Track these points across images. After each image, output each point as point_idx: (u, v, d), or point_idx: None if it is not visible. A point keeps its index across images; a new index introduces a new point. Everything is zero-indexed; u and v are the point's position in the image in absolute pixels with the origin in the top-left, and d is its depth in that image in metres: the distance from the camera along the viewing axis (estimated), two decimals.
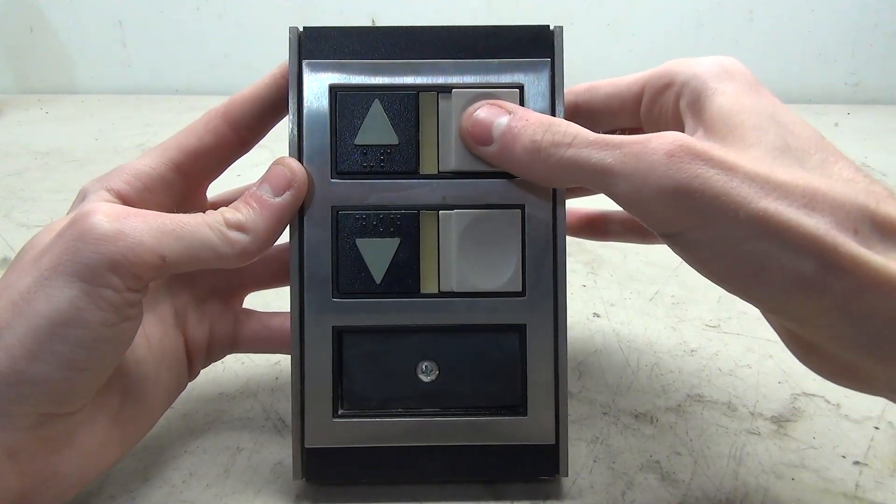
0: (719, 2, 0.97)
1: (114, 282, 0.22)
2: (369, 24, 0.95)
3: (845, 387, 0.24)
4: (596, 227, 0.35)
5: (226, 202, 0.29)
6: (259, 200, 0.26)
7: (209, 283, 0.30)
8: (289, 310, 0.27)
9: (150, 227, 0.23)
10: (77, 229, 0.22)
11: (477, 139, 0.26)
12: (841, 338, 0.21)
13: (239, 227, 0.25)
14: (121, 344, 0.24)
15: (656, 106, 0.28)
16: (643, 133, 0.28)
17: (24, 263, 0.23)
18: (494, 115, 0.26)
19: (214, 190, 0.31)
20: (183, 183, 0.28)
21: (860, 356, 0.21)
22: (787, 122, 0.23)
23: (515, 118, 0.25)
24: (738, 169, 0.21)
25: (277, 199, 0.26)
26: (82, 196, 0.26)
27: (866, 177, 0.22)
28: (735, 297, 0.23)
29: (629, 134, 0.27)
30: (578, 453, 0.30)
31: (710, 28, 0.98)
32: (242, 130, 0.28)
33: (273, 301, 0.36)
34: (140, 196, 0.26)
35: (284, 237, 0.27)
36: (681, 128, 0.26)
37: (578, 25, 0.96)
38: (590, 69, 0.97)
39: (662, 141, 0.22)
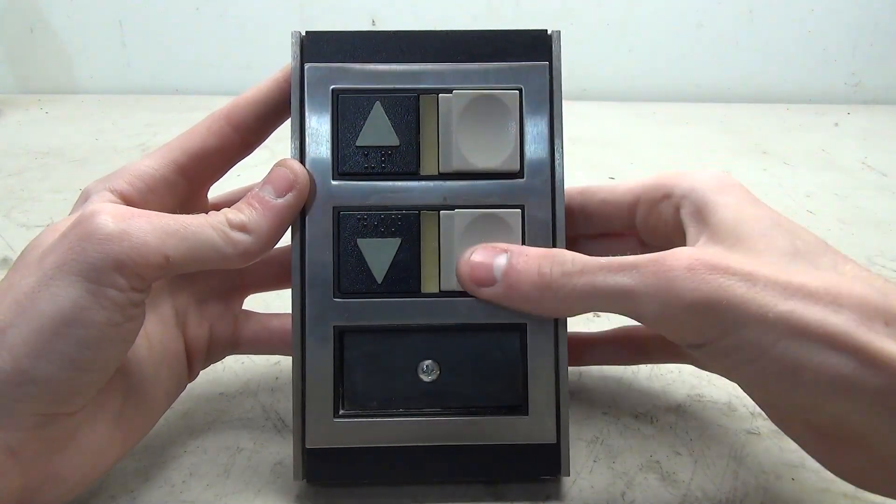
0: (719, 2, 0.97)
1: (118, 282, 0.22)
2: (369, 24, 0.95)
3: (881, 493, 0.24)
4: (637, 349, 0.33)
5: (227, 203, 0.29)
6: (261, 202, 0.26)
7: (210, 285, 0.30)
8: (289, 311, 0.27)
9: (155, 227, 0.23)
10: (82, 229, 0.22)
11: (479, 282, 0.26)
12: (879, 431, 0.21)
13: (241, 228, 0.25)
14: (124, 343, 0.24)
15: (653, 215, 0.28)
16: (636, 235, 0.29)
17: (28, 263, 0.23)
18: (491, 255, 0.26)
19: (216, 190, 0.31)
20: (185, 185, 0.28)
21: None
22: (792, 229, 0.24)
23: (514, 255, 0.26)
24: (758, 274, 0.22)
25: (280, 201, 0.26)
26: (85, 197, 0.26)
27: (875, 274, 0.23)
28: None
29: (620, 236, 0.29)
30: (578, 453, 0.30)
31: (710, 28, 0.98)
32: (245, 133, 0.28)
33: (273, 302, 0.36)
34: (143, 197, 0.26)
35: (286, 239, 0.27)
36: (681, 237, 0.26)
37: (578, 25, 0.96)
38: (590, 69, 0.97)
39: (679, 257, 0.22)
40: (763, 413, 0.32)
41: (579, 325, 0.40)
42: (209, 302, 0.30)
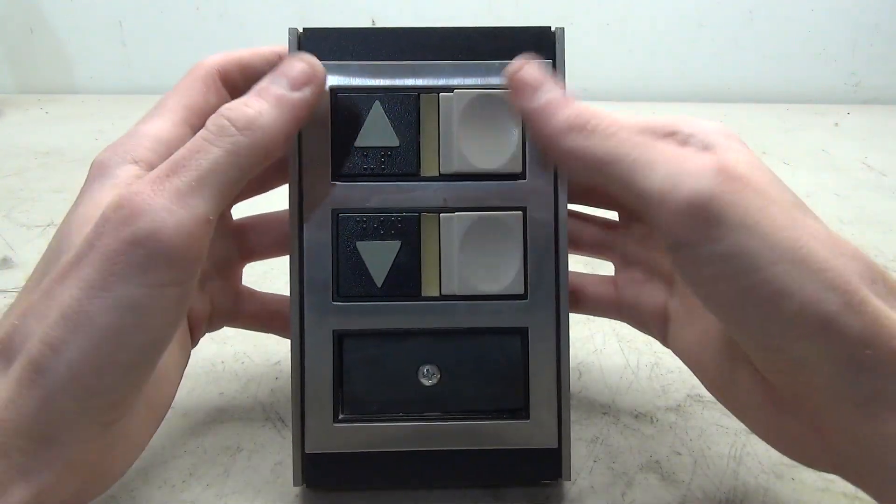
0: (719, 2, 0.97)
1: (173, 277, 0.21)
2: (369, 24, 0.95)
3: (810, 464, 0.24)
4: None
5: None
6: (275, 95, 0.23)
7: (211, 258, 0.30)
8: (287, 293, 0.27)
9: (186, 198, 0.21)
10: (126, 231, 0.21)
11: (522, 84, 0.25)
12: (834, 388, 0.21)
13: (249, 126, 0.23)
14: (173, 336, 0.23)
15: None
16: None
17: (63, 270, 0.21)
18: (550, 81, 0.25)
19: None
20: None
21: (846, 413, 0.21)
22: (786, 186, 0.24)
23: (567, 96, 0.25)
24: (775, 201, 0.21)
25: (296, 94, 0.24)
26: (101, 169, 0.24)
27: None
28: None
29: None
30: (578, 454, 0.30)
31: (710, 28, 0.98)
32: (235, 94, 0.27)
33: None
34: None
35: (284, 204, 0.27)
36: None
37: (578, 25, 0.96)
38: (590, 69, 0.97)
39: (710, 156, 0.22)
40: None
41: (579, 328, 0.40)
42: (210, 275, 0.30)
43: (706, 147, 0.25)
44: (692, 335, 0.27)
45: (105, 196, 0.23)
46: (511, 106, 0.26)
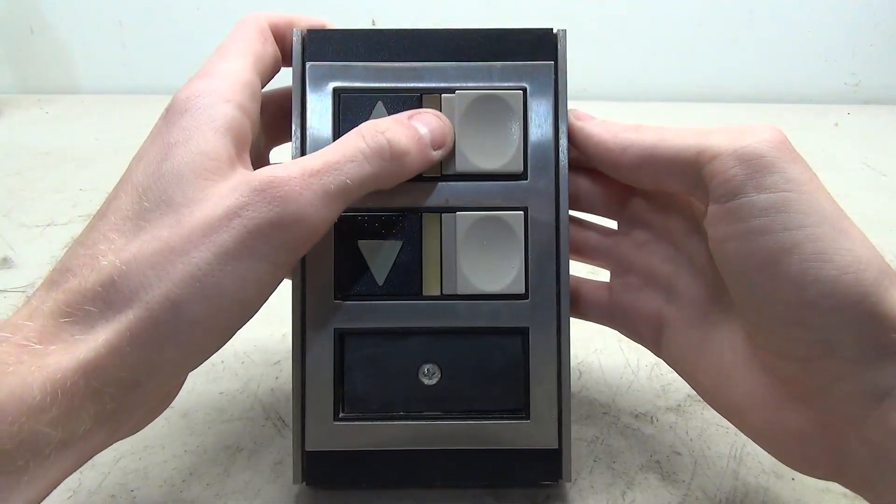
0: (719, 2, 0.97)
1: (297, 257, 0.23)
2: (370, 24, 0.95)
3: (811, 473, 0.24)
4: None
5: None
6: (421, 145, 0.25)
7: (252, 152, 0.28)
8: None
9: (329, 200, 0.23)
10: (274, 213, 0.21)
11: (580, 116, 0.28)
12: (855, 376, 0.21)
13: (400, 158, 0.25)
14: None
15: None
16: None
17: (193, 229, 0.21)
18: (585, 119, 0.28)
19: None
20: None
21: (862, 401, 0.21)
22: None
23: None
24: (819, 189, 0.23)
25: (435, 153, 0.26)
26: (193, 104, 0.23)
27: None
28: None
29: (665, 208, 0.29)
30: (579, 453, 0.30)
31: (711, 28, 0.98)
32: (286, 50, 0.28)
33: (276, 305, 0.36)
34: (254, 113, 0.25)
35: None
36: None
37: (578, 25, 0.96)
38: (590, 69, 0.97)
39: (765, 129, 0.23)
40: None
41: (579, 328, 0.40)
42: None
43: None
44: (688, 342, 0.27)
45: (208, 136, 0.23)
46: (511, 108, 0.27)
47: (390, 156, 0.24)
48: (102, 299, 0.20)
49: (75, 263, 0.21)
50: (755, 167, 0.22)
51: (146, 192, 0.22)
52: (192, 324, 0.21)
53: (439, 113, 0.27)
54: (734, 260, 0.23)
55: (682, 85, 0.99)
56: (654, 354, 0.29)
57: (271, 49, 0.27)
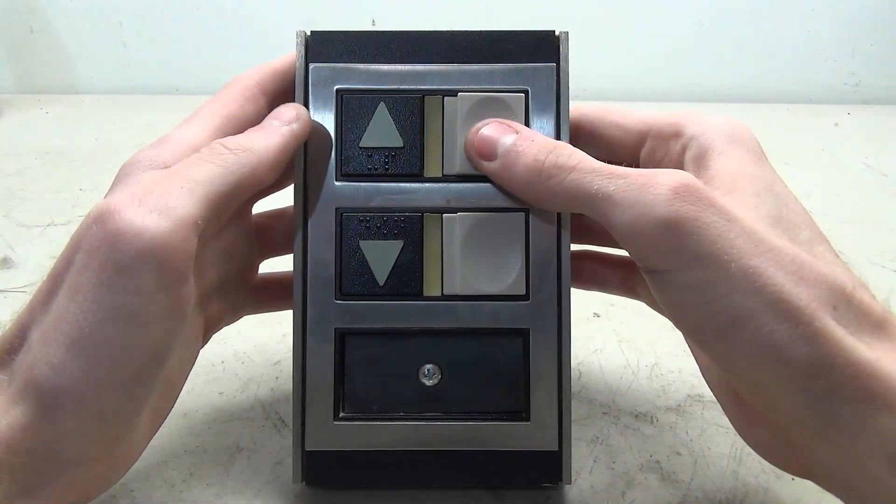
0: (720, 2, 0.97)
1: (163, 281, 0.21)
2: (370, 24, 0.95)
3: (783, 469, 0.24)
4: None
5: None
6: (266, 126, 0.25)
7: (233, 259, 0.29)
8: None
9: (166, 204, 0.21)
10: (107, 237, 0.20)
11: (481, 154, 0.26)
12: (793, 412, 0.21)
13: (240, 148, 0.24)
14: (174, 346, 0.23)
15: (659, 150, 0.28)
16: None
17: (54, 279, 0.21)
18: (501, 132, 0.26)
19: None
20: None
21: (808, 435, 0.22)
22: (784, 196, 0.24)
23: (521, 137, 0.25)
24: (738, 221, 0.21)
25: (285, 126, 0.25)
26: (128, 171, 0.24)
27: (844, 264, 0.23)
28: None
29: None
30: (578, 453, 0.30)
31: (710, 28, 0.98)
32: (274, 103, 0.28)
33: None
34: None
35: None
36: None
37: (578, 25, 0.96)
38: (590, 69, 0.97)
39: (669, 178, 0.22)
40: None
41: (579, 328, 0.40)
42: (232, 279, 0.29)
43: (702, 153, 0.25)
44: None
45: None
46: (513, 110, 0.27)
47: (227, 150, 0.24)
48: (6, 367, 0.21)
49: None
50: (658, 252, 0.22)
51: (60, 261, 0.22)
52: (73, 383, 0.20)
53: (289, 104, 0.27)
54: (667, 317, 0.24)
55: (682, 85, 0.99)
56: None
57: (252, 109, 0.27)
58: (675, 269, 0.22)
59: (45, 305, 0.21)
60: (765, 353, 0.20)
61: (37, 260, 0.47)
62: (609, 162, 0.24)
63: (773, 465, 0.25)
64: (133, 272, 0.20)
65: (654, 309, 0.30)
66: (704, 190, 0.22)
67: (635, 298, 0.32)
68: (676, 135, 0.27)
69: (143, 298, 0.20)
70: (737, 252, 0.21)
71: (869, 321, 0.21)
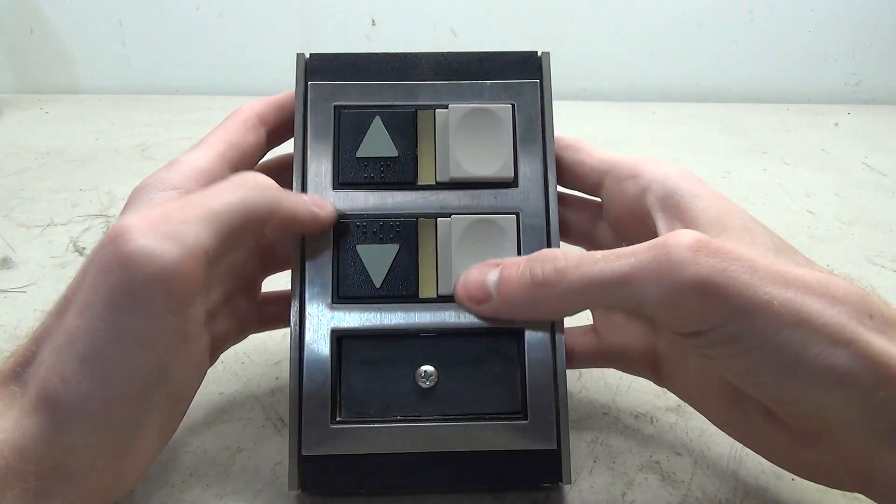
0: (719, 2, 0.97)
1: (172, 304, 0.21)
2: (370, 24, 0.95)
3: (837, 487, 0.24)
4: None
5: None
6: (295, 194, 0.27)
7: (237, 277, 0.30)
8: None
9: (180, 231, 0.22)
10: (120, 259, 0.21)
11: (475, 299, 0.26)
12: (854, 426, 0.21)
13: (262, 186, 0.25)
14: (179, 364, 0.23)
15: (618, 190, 0.28)
16: (598, 207, 0.29)
17: (69, 295, 0.22)
18: (484, 272, 0.26)
19: None
20: None
21: (869, 447, 0.22)
22: (760, 223, 0.24)
23: (506, 266, 0.25)
24: (757, 262, 0.21)
25: (311, 205, 0.26)
26: (140, 193, 0.25)
27: (840, 274, 0.23)
28: None
29: (581, 205, 0.30)
30: (578, 454, 0.30)
31: (710, 28, 0.98)
32: (272, 134, 0.29)
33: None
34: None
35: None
36: (641, 220, 0.27)
37: (578, 25, 0.96)
38: (590, 69, 0.97)
39: (681, 239, 0.21)
40: None
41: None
42: (237, 296, 0.30)
43: (668, 194, 0.25)
44: (689, 373, 0.27)
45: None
46: (501, 120, 0.28)
47: (249, 186, 0.24)
48: (19, 379, 0.21)
49: (20, 345, 0.22)
50: (695, 315, 0.21)
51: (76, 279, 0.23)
52: (82, 397, 0.20)
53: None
54: (716, 371, 0.24)
55: (682, 85, 0.99)
56: (660, 386, 0.30)
57: (252, 138, 0.28)
58: (718, 325, 0.21)
59: (59, 320, 0.22)
60: (828, 379, 0.20)
61: (37, 260, 0.47)
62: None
63: (826, 485, 0.24)
64: (142, 295, 0.21)
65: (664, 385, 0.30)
66: (714, 241, 0.22)
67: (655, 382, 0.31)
68: (633, 176, 0.27)
69: (150, 320, 0.21)
70: (771, 291, 0.21)
71: (891, 323, 0.21)
